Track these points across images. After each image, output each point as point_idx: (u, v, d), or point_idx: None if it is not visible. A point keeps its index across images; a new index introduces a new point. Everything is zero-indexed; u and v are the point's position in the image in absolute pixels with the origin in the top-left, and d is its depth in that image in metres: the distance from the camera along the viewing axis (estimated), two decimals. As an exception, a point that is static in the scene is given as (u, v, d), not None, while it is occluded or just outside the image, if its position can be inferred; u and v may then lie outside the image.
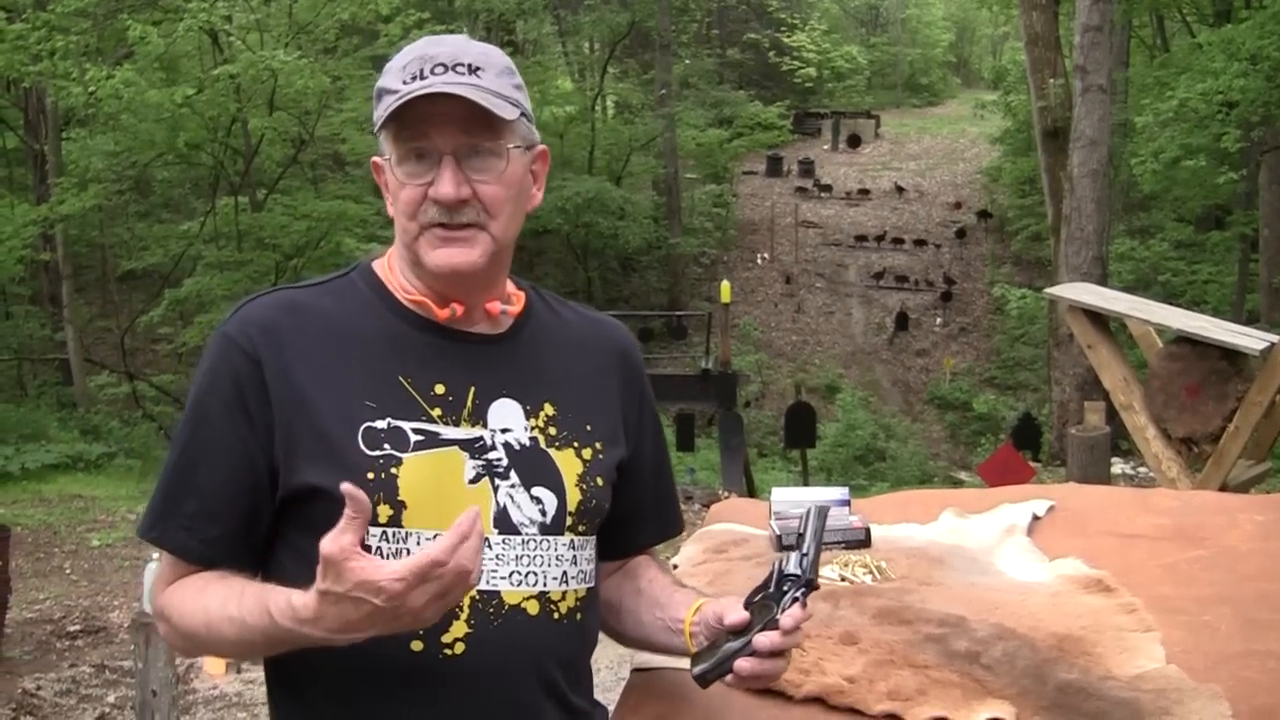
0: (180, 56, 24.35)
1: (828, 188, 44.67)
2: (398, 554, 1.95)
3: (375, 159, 2.10)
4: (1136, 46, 32.06)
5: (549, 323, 2.22)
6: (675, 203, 37.16)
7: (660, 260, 37.58)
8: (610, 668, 7.30)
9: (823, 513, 2.05)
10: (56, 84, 20.45)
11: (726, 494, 14.48)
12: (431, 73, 1.98)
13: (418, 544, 1.95)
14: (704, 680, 1.99)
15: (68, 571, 12.11)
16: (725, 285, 17.96)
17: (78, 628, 10.00)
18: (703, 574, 2.80)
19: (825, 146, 50.70)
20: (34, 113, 25.30)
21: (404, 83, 1.98)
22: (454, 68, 1.99)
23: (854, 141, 50.81)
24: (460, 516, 1.72)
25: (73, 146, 24.02)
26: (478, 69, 2.00)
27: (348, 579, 1.69)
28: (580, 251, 35.64)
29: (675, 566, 2.99)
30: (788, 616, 1.93)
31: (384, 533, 1.97)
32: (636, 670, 2.39)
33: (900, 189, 44.53)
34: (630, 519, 2.28)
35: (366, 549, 1.89)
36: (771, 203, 42.67)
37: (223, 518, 2.00)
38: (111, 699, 8.30)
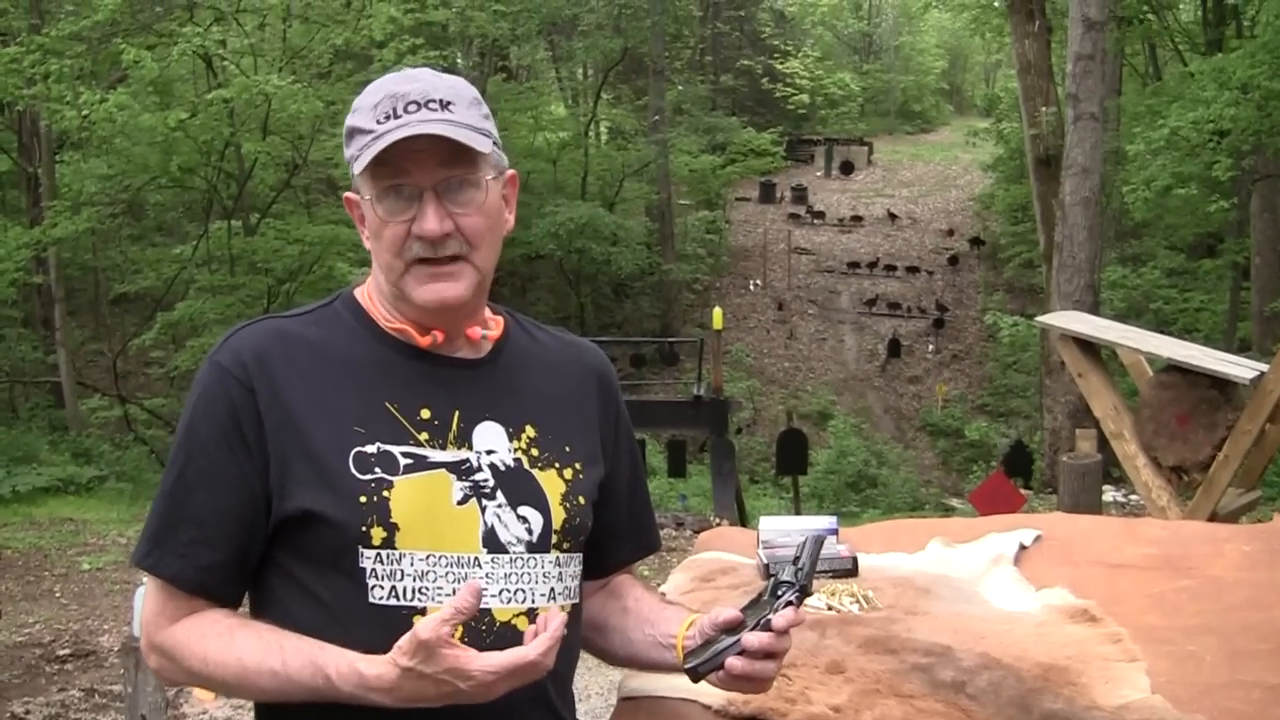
0: (174, 81, 24.39)
1: (820, 214, 44.66)
2: (391, 575, 2.01)
3: (349, 195, 2.14)
4: (1129, 75, 32.14)
5: (527, 347, 2.26)
6: (668, 229, 37.13)
7: (653, 286, 37.54)
8: (600, 694, 7.30)
9: (819, 541, 2.09)
10: (50, 107, 20.44)
11: (718, 521, 14.45)
12: (405, 110, 2.04)
13: (411, 565, 2.00)
14: (695, 674, 2.04)
15: (58, 595, 12.06)
16: (717, 311, 17.90)
17: (67, 651, 9.96)
18: (690, 602, 2.80)
19: (818, 173, 50.71)
20: (28, 136, 25.27)
21: (378, 122, 2.04)
22: (426, 104, 2.05)
23: (847, 168, 50.81)
24: (552, 621, 1.89)
25: (66, 170, 23.98)
26: (449, 104, 2.06)
27: (440, 663, 1.81)
28: (573, 277, 35.63)
29: (663, 595, 3.00)
30: (780, 617, 1.98)
31: (378, 554, 2.01)
32: (624, 699, 2.40)
33: (893, 216, 44.55)
34: (608, 537, 2.32)
35: (362, 570, 2.00)
36: (764, 229, 42.68)
37: (219, 545, 2.03)
38: (100, 724, 8.27)
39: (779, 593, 2.00)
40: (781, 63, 52.15)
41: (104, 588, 12.31)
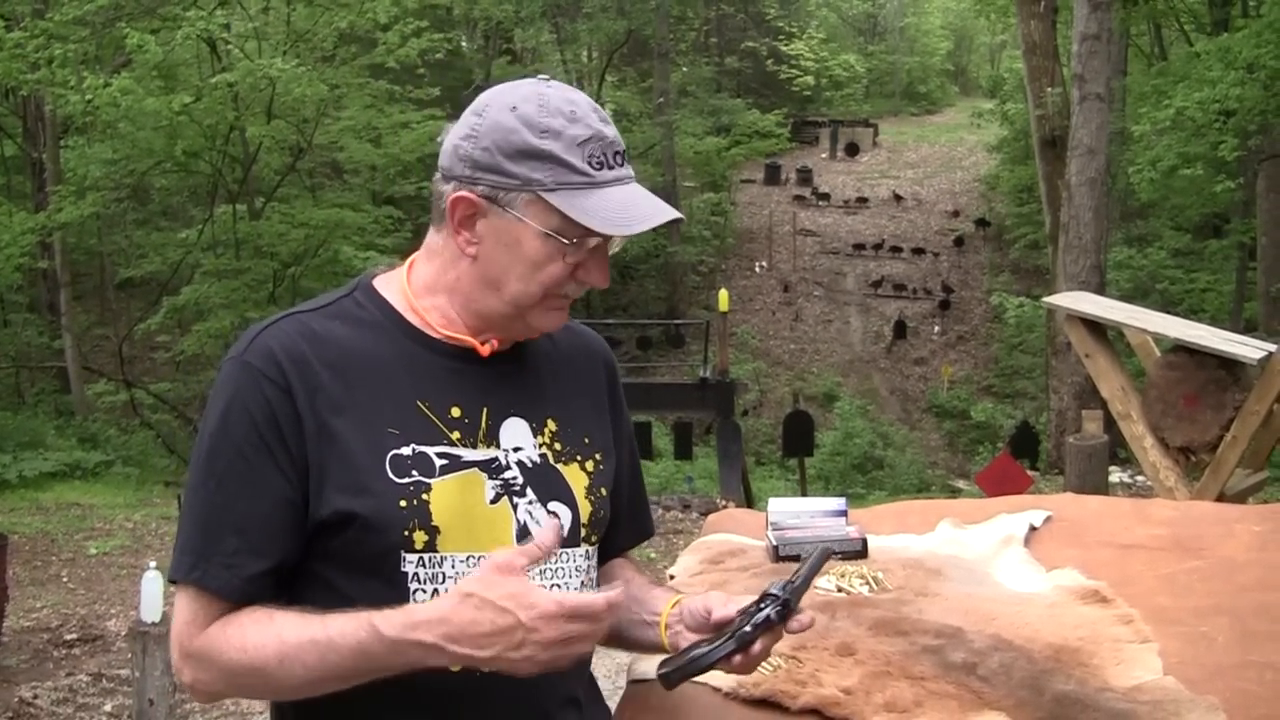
0: (178, 65, 24.30)
1: (826, 196, 44.68)
2: (434, 578, 1.98)
3: (468, 196, 2.02)
4: (1134, 55, 32.06)
5: (539, 339, 2.22)
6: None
7: (658, 269, 37.57)
8: (608, 677, 7.28)
9: (826, 554, 2.06)
10: (55, 92, 20.46)
11: (725, 502, 14.45)
12: (615, 161, 2.01)
13: (453, 567, 1.98)
14: (667, 681, 2.01)
15: (65, 580, 12.09)
16: (723, 293, 17.91)
17: (75, 636, 9.98)
18: (700, 584, 2.80)
19: (823, 155, 50.71)
20: (32, 121, 25.33)
21: (591, 165, 1.98)
22: (625, 157, 2.04)
23: (852, 150, 50.81)
24: (614, 591, 1.83)
25: (71, 154, 24.01)
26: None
27: (504, 586, 1.78)
28: (578, 260, 35.58)
29: (672, 577, 2.99)
30: (759, 636, 1.95)
31: (420, 559, 1.98)
32: (633, 682, 2.39)
33: (898, 197, 44.55)
34: (612, 524, 2.29)
35: (404, 576, 1.98)
36: (769, 211, 42.68)
37: (264, 553, 1.97)
38: (108, 708, 8.28)
39: (762, 604, 1.96)
40: (786, 44, 52.10)
41: (111, 572, 12.35)
